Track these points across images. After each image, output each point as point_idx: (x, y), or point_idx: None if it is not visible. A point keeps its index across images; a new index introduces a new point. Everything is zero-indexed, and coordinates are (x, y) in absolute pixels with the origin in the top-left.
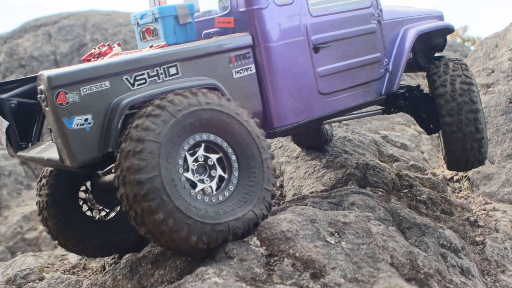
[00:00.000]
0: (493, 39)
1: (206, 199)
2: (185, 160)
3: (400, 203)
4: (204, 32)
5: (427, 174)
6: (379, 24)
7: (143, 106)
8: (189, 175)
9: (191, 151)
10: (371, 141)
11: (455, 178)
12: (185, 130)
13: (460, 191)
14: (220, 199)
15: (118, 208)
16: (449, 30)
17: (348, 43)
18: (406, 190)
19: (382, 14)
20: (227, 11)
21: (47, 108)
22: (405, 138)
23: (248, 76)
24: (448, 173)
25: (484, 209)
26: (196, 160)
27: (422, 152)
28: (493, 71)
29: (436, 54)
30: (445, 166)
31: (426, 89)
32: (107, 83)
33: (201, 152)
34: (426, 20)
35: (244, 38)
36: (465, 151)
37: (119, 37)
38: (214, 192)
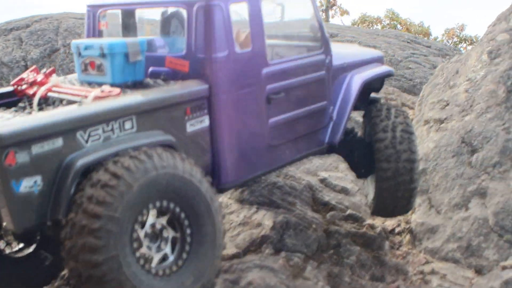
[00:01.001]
0: (454, 64)
1: (161, 272)
2: (138, 231)
3: (318, 271)
4: (152, 69)
5: (364, 226)
6: (328, 71)
7: (95, 169)
8: (143, 249)
9: (144, 221)
10: (305, 186)
11: (397, 230)
12: (141, 200)
13: (401, 246)
14: (174, 269)
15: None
16: (389, 75)
17: (299, 92)
18: (332, 251)
19: (332, 61)
20: (182, 53)
21: None
22: (348, 180)
23: (201, 129)
24: (389, 224)
25: (422, 272)
26: (150, 230)
27: (366, 196)
28: (448, 104)
29: (372, 94)
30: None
31: (359, 131)
32: (60, 140)
33: (153, 220)
34: (370, 64)
35: (201, 88)
36: (396, 199)
37: None
38: (170, 259)
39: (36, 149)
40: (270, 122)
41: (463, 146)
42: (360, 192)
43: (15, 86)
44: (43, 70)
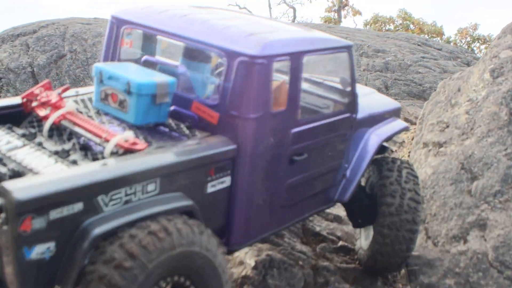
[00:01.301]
0: (456, 82)
1: None
2: None
3: None
4: (174, 108)
5: (356, 259)
6: (351, 130)
7: (110, 239)
8: None
9: None
10: None
11: None
12: (153, 279)
13: (395, 281)
14: None
15: None
16: (405, 130)
17: (322, 152)
18: None
19: (357, 118)
20: (214, 103)
21: (4, 228)
22: (342, 208)
23: (222, 190)
24: None
25: None
26: None
27: (355, 241)
28: (448, 126)
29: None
30: None
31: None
32: (80, 205)
33: None
34: (388, 118)
35: (230, 149)
36: (387, 264)
37: (99, 47)
38: None
39: (54, 214)
40: (287, 183)
41: (463, 173)
42: None
43: (25, 100)
44: (58, 91)
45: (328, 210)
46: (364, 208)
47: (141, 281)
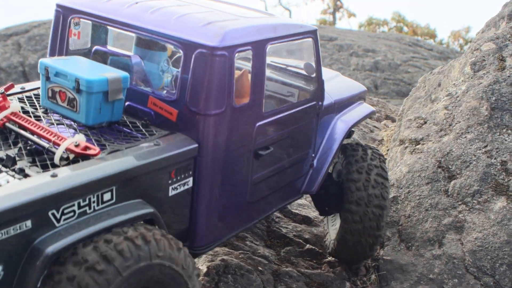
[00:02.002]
0: (437, 76)
1: None
2: None
3: None
4: (129, 104)
5: (323, 264)
6: (317, 118)
7: (83, 244)
8: None
9: None
10: None
11: (361, 268)
12: None
13: (365, 287)
14: None
15: None
16: (372, 115)
17: (288, 144)
18: None
19: (323, 105)
20: (172, 98)
21: None
22: (312, 208)
23: (184, 192)
24: None
25: None
26: None
27: (325, 235)
28: (425, 122)
29: None
30: None
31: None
32: (28, 223)
33: None
34: (354, 102)
35: (191, 148)
36: (358, 244)
37: None
38: None
39: (1, 235)
40: (253, 178)
41: (440, 171)
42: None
43: None
44: (0, 90)
45: (296, 211)
46: (331, 195)
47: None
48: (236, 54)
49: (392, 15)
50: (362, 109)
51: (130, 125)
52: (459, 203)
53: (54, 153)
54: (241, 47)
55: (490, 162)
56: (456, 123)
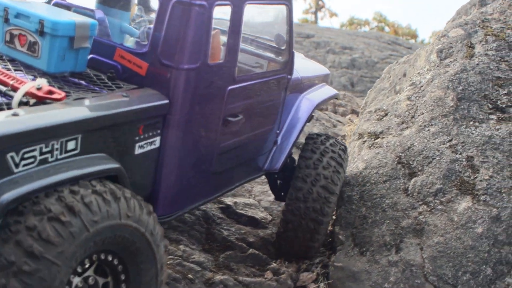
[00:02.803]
0: (402, 66)
1: None
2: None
3: None
4: (92, 57)
5: (266, 270)
6: (286, 92)
7: (46, 194)
8: None
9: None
10: (199, 218)
11: (309, 276)
12: (89, 249)
13: None
14: None
15: None
16: (336, 97)
17: (256, 114)
18: None
19: (290, 80)
20: (143, 50)
21: None
22: (261, 208)
23: (150, 151)
24: (301, 267)
25: None
26: (83, 283)
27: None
28: (386, 114)
29: None
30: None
31: None
32: None
33: (90, 273)
34: (318, 83)
35: (161, 104)
36: (298, 227)
37: None
38: None
39: None
40: (220, 147)
41: (399, 168)
42: (274, 224)
43: None
44: None
45: (242, 211)
46: (287, 179)
47: (77, 245)
48: (215, 7)
49: (373, 15)
50: (326, 90)
51: (94, 77)
52: (420, 203)
53: (12, 97)
54: (221, 0)
55: (455, 158)
56: (419, 115)
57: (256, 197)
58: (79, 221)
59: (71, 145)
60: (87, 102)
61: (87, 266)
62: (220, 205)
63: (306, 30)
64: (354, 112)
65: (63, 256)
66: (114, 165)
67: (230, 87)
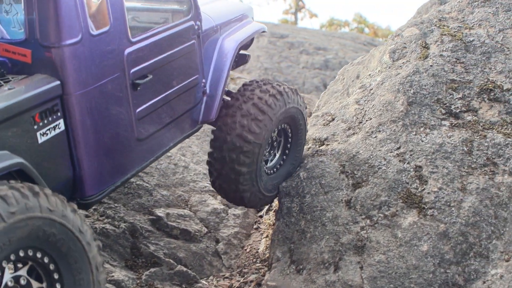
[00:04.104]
0: (356, 67)
1: None
2: None
3: None
4: None
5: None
6: (198, 39)
7: None
8: None
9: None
10: (126, 230)
11: None
12: (9, 243)
13: None
14: None
15: None
16: (262, 31)
17: (169, 70)
18: None
19: (202, 25)
20: (22, 38)
21: None
22: (196, 220)
23: (57, 136)
24: (235, 283)
25: None
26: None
27: (217, 241)
28: (333, 119)
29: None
30: (235, 271)
31: None
32: None
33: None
34: (240, 21)
35: (51, 87)
36: (220, 177)
37: None
38: None
39: None
40: (137, 112)
41: (342, 178)
42: (209, 237)
43: None
44: None
45: (174, 224)
46: None
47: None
48: None
49: (353, 16)
50: (250, 27)
51: None
52: (363, 217)
53: None
54: None
55: (402, 167)
56: (366, 120)
57: (193, 208)
58: None
59: None
60: None
61: (19, 265)
62: (151, 217)
63: (281, 30)
64: (311, 114)
65: None
66: (15, 160)
67: (127, 51)
